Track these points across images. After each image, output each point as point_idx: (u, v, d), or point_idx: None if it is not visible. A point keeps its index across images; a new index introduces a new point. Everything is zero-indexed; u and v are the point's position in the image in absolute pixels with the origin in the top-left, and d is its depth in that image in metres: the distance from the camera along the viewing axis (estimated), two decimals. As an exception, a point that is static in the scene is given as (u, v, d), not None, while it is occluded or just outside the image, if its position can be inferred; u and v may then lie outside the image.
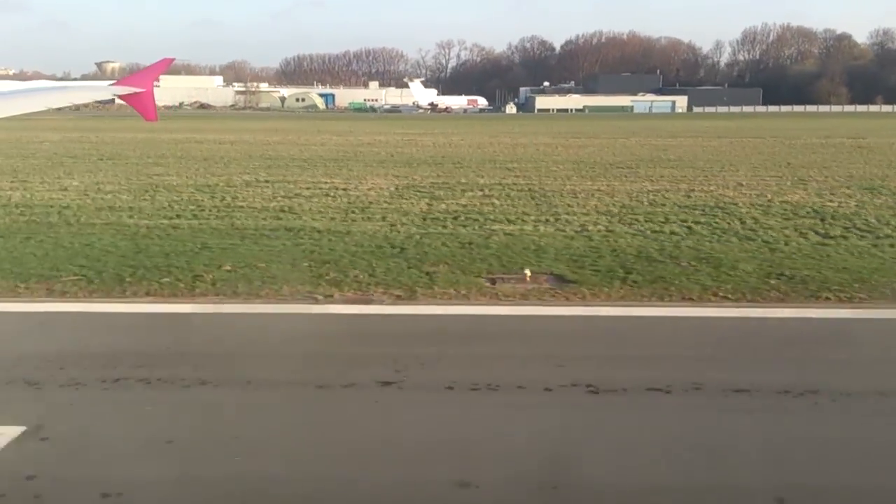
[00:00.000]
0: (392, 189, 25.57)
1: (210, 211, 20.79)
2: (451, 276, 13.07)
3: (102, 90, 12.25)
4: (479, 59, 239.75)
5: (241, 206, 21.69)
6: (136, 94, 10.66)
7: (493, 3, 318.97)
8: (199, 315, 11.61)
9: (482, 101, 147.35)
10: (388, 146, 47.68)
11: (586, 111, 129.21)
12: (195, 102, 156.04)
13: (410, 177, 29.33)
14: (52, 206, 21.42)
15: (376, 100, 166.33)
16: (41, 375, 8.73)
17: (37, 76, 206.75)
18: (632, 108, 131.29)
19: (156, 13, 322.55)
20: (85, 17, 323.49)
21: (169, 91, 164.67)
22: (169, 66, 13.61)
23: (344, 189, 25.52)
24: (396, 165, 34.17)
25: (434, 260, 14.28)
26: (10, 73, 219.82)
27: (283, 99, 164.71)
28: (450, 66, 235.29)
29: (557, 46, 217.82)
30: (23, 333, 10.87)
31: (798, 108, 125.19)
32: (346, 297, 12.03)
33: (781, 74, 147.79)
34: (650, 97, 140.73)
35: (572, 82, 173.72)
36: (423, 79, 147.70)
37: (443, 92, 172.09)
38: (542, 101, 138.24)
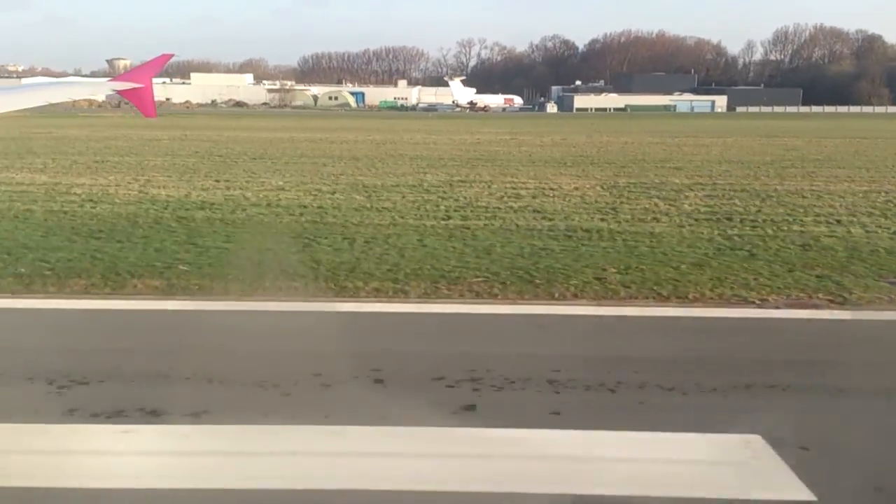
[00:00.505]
0: (599, 189, 25.60)
1: (469, 210, 20.83)
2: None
3: (101, 86, 12.20)
4: (499, 57, 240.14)
5: (484, 206, 21.70)
6: (134, 89, 10.62)
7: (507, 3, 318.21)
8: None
9: (518, 100, 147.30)
10: (502, 145, 47.88)
11: (628, 110, 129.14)
12: (230, 100, 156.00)
13: (594, 176, 29.40)
14: (305, 207, 21.49)
15: (406, 98, 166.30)
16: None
17: (46, 73, 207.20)
18: (674, 107, 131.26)
19: (156, 10, 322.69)
20: (86, 13, 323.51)
21: (200, 89, 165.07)
22: (167, 62, 13.39)
23: (553, 189, 25.58)
24: (561, 165, 34.28)
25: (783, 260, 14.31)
26: (20, 69, 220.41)
27: (315, 97, 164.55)
28: (470, 64, 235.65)
29: (580, 45, 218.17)
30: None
31: (842, 109, 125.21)
32: (789, 302, 12.05)
33: (817, 75, 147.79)
34: (688, 96, 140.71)
35: (602, 81, 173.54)
36: (463, 77, 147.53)
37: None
38: (580, 100, 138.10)
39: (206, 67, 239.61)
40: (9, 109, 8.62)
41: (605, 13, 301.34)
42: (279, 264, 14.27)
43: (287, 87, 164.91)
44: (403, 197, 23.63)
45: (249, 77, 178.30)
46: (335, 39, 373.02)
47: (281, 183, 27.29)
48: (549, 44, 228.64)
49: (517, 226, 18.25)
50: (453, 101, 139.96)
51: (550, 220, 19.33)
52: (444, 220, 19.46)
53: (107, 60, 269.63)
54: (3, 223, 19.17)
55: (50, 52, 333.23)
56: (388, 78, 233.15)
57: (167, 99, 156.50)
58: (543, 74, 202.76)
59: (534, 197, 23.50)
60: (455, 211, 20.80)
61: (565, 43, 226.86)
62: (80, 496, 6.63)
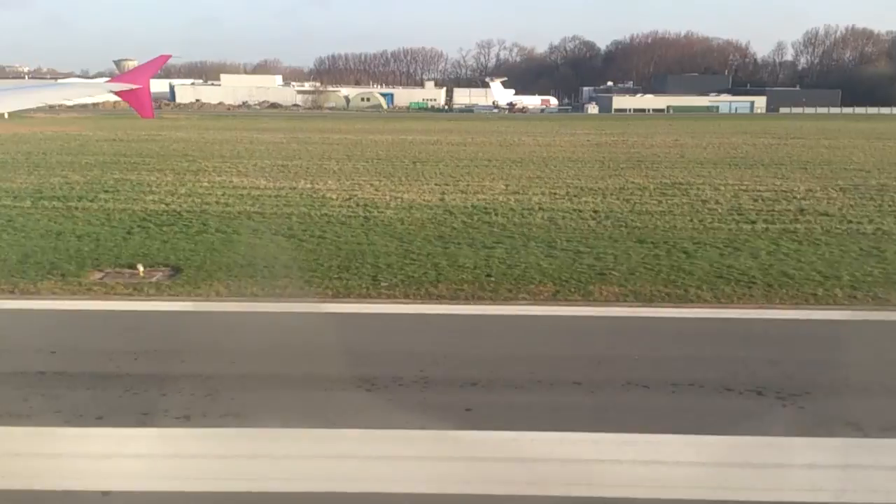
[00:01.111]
0: (841, 194, 25.73)
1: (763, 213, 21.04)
2: None
3: (98, 87, 12.30)
4: (518, 58, 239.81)
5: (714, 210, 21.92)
6: (132, 90, 10.78)
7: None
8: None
9: (553, 101, 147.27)
10: (622, 146, 48.38)
11: (670, 111, 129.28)
12: (263, 102, 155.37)
13: (749, 178, 29.78)
14: (596, 212, 21.63)
15: (435, 100, 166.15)
16: None
17: (52, 74, 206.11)
18: (717, 108, 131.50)
19: (154, 11, 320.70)
20: (91, 14, 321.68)
21: (230, 90, 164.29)
22: (165, 63, 13.48)
23: (804, 193, 25.72)
24: (739, 167, 34.69)
25: None
26: (26, 70, 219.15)
27: (346, 98, 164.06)
28: (489, 65, 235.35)
29: (602, 47, 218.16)
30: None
31: (884, 111, 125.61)
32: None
33: (851, 76, 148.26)
34: (726, 97, 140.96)
35: (630, 82, 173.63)
36: (504, 78, 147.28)
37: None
38: (618, 101, 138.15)
39: (220, 69, 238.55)
40: (5, 110, 8.71)
41: (624, 15, 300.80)
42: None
43: (320, 89, 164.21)
44: (660, 202, 23.79)
45: (279, 78, 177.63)
46: (344, 41, 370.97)
47: (503, 186, 27.42)
48: (570, 45, 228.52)
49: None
50: (493, 103, 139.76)
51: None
52: (749, 223, 19.71)
53: (114, 61, 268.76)
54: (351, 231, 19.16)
55: (55, 54, 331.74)
56: (407, 79, 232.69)
57: (197, 100, 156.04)
58: (567, 76, 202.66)
59: (802, 199, 23.67)
60: (757, 214, 20.99)
61: (586, 44, 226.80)
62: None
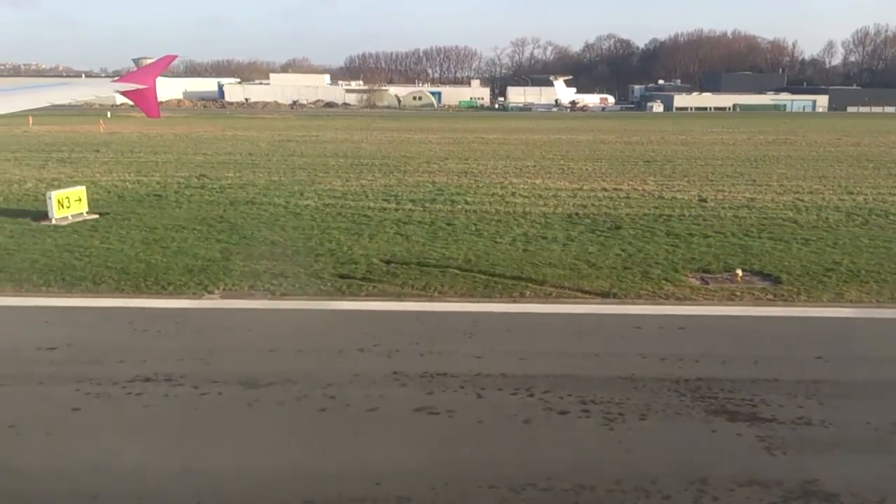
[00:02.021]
0: None
1: None
2: None
3: (105, 86, 12.36)
4: (552, 57, 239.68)
5: None
6: (138, 90, 10.76)
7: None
8: None
9: (611, 100, 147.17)
10: (753, 145, 48.95)
11: (737, 109, 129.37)
12: (318, 101, 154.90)
13: None
14: None
15: (482, 98, 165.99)
16: None
17: (68, 72, 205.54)
18: (784, 106, 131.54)
19: (173, 9, 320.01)
20: (102, 12, 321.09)
21: (279, 89, 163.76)
22: (171, 63, 13.49)
23: None
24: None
25: None
26: (43, 67, 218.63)
27: (398, 98, 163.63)
28: (524, 64, 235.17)
29: (640, 45, 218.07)
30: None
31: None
32: None
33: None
34: (786, 96, 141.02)
35: (678, 80, 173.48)
36: (568, 77, 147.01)
37: (501, 91, 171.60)
38: (680, 100, 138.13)
39: (248, 68, 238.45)
40: (12, 110, 8.68)
41: (660, 13, 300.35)
42: None
43: (374, 88, 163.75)
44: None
45: (327, 77, 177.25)
46: (366, 39, 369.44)
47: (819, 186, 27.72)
48: (605, 43, 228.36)
49: None
50: (556, 101, 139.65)
51: None
52: None
53: (133, 59, 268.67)
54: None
55: (74, 52, 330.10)
56: (441, 78, 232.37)
57: (246, 99, 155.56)
58: (605, 74, 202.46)
59: None
60: None
61: (622, 42, 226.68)
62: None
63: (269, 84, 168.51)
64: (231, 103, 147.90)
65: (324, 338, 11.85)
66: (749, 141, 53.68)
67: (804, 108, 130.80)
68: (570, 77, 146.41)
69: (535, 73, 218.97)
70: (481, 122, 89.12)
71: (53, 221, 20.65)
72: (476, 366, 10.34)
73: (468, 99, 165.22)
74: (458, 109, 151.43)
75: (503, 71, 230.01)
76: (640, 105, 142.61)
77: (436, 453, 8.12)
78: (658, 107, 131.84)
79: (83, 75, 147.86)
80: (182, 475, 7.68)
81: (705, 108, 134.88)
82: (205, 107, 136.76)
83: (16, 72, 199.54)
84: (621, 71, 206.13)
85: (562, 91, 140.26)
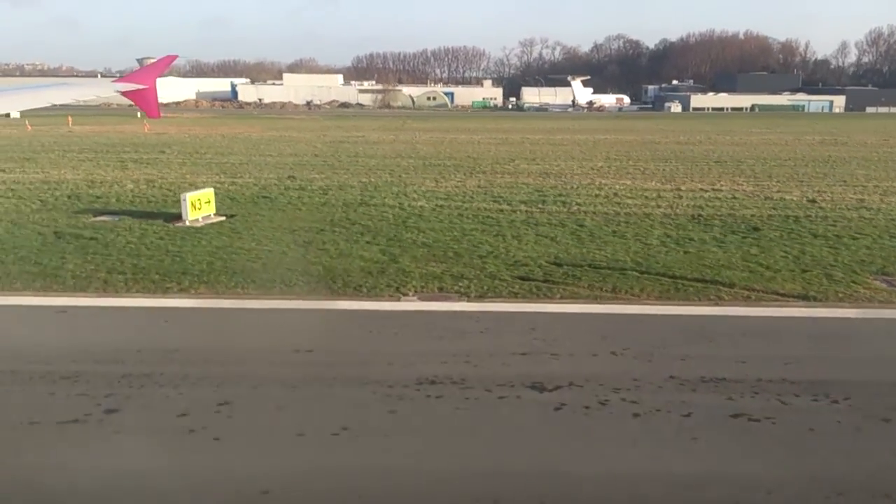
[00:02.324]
0: None
1: None
2: None
3: (105, 86, 12.62)
4: (560, 57, 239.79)
5: None
6: (138, 90, 10.79)
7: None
8: None
9: (626, 100, 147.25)
10: (806, 146, 49.19)
11: (756, 109, 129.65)
12: (333, 101, 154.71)
13: None
14: None
15: (495, 98, 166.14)
16: None
17: (70, 72, 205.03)
18: (802, 106, 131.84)
19: (163, 11, 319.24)
20: (105, 12, 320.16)
21: (293, 90, 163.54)
22: (172, 63, 13.71)
23: None
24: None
25: None
26: (46, 67, 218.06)
27: (412, 98, 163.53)
28: (532, 64, 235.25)
29: (650, 45, 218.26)
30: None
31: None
32: None
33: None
34: (802, 96, 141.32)
35: (690, 80, 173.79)
36: (586, 77, 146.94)
37: (513, 90, 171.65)
38: (697, 100, 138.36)
39: (255, 68, 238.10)
40: (12, 109, 8.79)
41: (669, 14, 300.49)
42: None
43: (389, 88, 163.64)
44: None
45: (340, 78, 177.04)
46: (371, 40, 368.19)
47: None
48: (615, 44, 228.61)
49: None
50: (572, 101, 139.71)
51: None
52: None
53: (137, 59, 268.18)
54: None
55: (77, 52, 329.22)
56: (448, 78, 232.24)
57: (260, 100, 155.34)
58: (615, 74, 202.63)
59: None
60: None
61: (631, 42, 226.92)
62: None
63: (282, 84, 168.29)
64: (248, 103, 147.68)
65: (567, 340, 11.86)
66: (799, 142, 53.83)
67: (822, 108, 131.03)
68: (588, 77, 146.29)
69: (544, 73, 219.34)
70: (508, 122, 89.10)
71: (187, 223, 20.64)
72: (749, 371, 10.35)
73: (481, 99, 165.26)
74: (472, 109, 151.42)
75: (511, 71, 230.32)
76: (657, 105, 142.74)
77: (792, 462, 8.10)
78: (676, 107, 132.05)
79: (99, 75, 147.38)
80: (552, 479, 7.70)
81: (722, 109, 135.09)
82: (223, 107, 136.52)
83: (20, 72, 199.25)
84: (631, 71, 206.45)
85: (579, 91, 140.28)
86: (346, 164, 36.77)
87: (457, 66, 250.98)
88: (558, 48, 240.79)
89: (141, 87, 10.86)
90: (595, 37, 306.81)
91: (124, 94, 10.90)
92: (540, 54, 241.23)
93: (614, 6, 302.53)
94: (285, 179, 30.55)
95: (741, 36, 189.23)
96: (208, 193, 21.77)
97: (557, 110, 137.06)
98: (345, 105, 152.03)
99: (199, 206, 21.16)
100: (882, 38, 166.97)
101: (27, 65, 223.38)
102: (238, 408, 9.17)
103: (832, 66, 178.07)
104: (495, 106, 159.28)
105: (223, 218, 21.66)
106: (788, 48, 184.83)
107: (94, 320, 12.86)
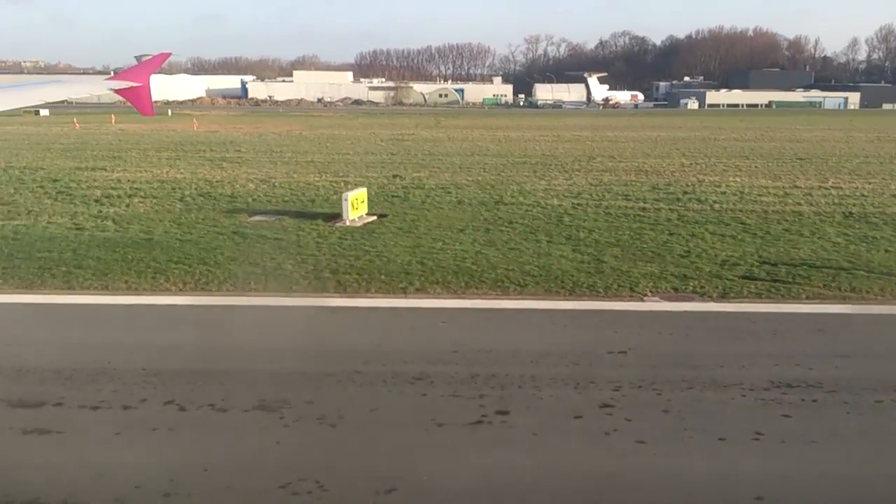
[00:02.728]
0: None
1: None
2: None
3: (98, 84, 12.57)
4: (566, 54, 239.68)
5: None
6: (132, 88, 10.73)
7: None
8: None
9: (640, 97, 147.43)
10: (834, 144, 49.22)
11: (773, 106, 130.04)
12: (346, 98, 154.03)
13: None
14: None
15: (505, 95, 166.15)
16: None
17: (68, 69, 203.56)
18: (819, 103, 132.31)
19: (160, 8, 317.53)
20: (102, 8, 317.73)
21: (303, 87, 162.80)
22: (166, 61, 13.94)
23: None
24: None
25: None
26: (42, 65, 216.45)
27: (423, 95, 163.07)
28: (538, 61, 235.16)
29: (657, 41, 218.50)
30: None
31: None
32: None
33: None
34: (816, 93, 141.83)
35: (700, 77, 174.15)
36: (602, 73, 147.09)
37: (525, 87, 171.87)
38: (712, 97, 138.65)
39: (258, 65, 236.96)
40: (4, 107, 8.86)
41: (675, 10, 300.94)
42: None
43: (401, 85, 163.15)
44: None
45: (350, 75, 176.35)
46: (375, 36, 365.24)
47: None
48: (620, 41, 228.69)
49: None
50: (589, 98, 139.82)
51: None
52: None
53: (135, 57, 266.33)
54: None
55: (74, 50, 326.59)
56: (453, 75, 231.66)
57: (270, 97, 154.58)
58: (622, 70, 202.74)
59: None
60: None
61: (636, 39, 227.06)
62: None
63: (292, 81, 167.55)
64: (262, 101, 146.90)
65: (876, 343, 11.65)
66: (853, 139, 53.77)
67: (838, 105, 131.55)
68: (605, 74, 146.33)
69: (549, 70, 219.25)
70: (536, 119, 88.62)
71: (347, 223, 20.29)
72: None
73: (491, 96, 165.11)
74: (486, 106, 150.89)
75: (517, 68, 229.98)
76: (672, 102, 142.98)
77: None
78: (693, 104, 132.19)
79: (112, 72, 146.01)
80: None
81: (737, 105, 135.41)
82: (238, 104, 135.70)
83: (18, 69, 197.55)
84: (637, 68, 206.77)
85: (595, 88, 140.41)
86: (432, 163, 36.40)
87: (461, 62, 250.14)
88: (563, 45, 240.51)
89: (135, 84, 10.70)
90: (600, 34, 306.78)
91: (118, 91, 10.79)
92: (545, 51, 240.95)
93: (619, 3, 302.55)
94: (393, 178, 30.17)
95: (750, 33, 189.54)
96: (363, 193, 21.42)
97: (572, 107, 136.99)
98: (358, 102, 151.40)
99: (357, 206, 20.80)
100: (892, 34, 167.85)
101: (25, 62, 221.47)
102: (622, 410, 8.94)
103: (841, 63, 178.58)
104: (507, 103, 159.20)
105: (374, 217, 21.30)
106: (797, 45, 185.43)
107: (391, 321, 12.56)
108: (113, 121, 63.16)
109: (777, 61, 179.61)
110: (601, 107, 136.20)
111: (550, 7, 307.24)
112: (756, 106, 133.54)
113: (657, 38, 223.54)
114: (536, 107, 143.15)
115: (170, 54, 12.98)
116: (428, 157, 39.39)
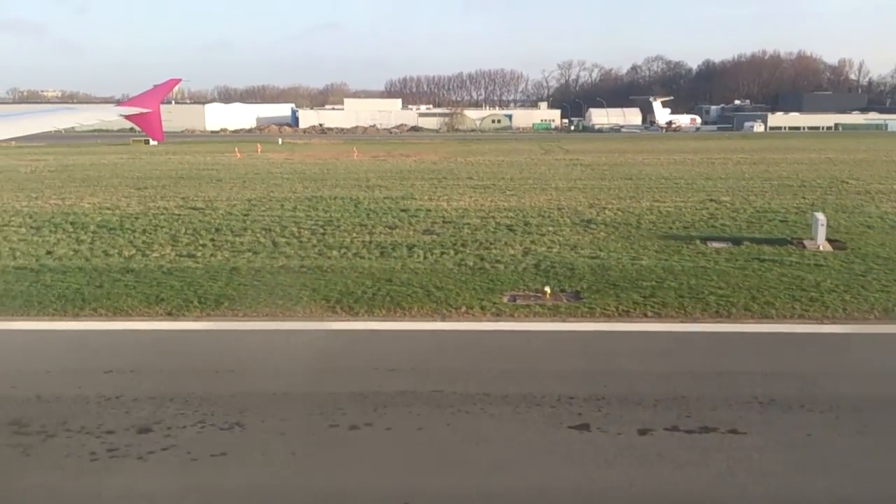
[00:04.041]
0: None
1: None
2: None
3: (108, 111, 12.77)
4: (598, 78, 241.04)
5: None
6: (142, 114, 10.89)
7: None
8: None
9: (698, 120, 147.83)
10: None
11: (840, 129, 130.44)
12: (402, 125, 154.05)
13: None
14: None
15: (553, 120, 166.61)
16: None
17: (87, 99, 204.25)
18: (885, 125, 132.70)
19: (164, 36, 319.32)
20: (103, 39, 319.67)
21: (353, 114, 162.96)
22: (176, 87, 13.83)
23: None
24: None
25: None
26: (59, 94, 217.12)
27: (474, 121, 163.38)
28: (571, 86, 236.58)
29: (693, 66, 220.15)
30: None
31: None
32: None
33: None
34: (874, 116, 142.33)
35: (748, 101, 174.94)
36: (668, 98, 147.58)
37: (572, 112, 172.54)
38: (773, 120, 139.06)
39: (289, 93, 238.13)
40: (16, 135, 8.78)
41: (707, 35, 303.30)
42: None
43: (456, 111, 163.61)
44: None
45: (399, 102, 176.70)
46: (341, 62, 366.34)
47: None
48: (654, 65, 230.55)
49: None
50: (650, 121, 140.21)
51: None
52: None
53: (155, 85, 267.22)
54: None
55: (92, 78, 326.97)
56: (486, 101, 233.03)
57: (321, 124, 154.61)
58: (659, 94, 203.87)
59: None
60: None
61: (669, 63, 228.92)
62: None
63: (342, 109, 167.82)
64: (328, 129, 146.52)
65: None
66: None
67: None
68: (671, 98, 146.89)
69: (581, 95, 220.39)
70: (618, 143, 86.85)
71: (821, 247, 19.49)
72: None
73: (539, 121, 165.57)
74: (534, 132, 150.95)
75: (549, 94, 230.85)
76: (731, 124, 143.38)
77: None
78: (759, 127, 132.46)
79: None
80: None
81: (798, 128, 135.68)
82: (305, 132, 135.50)
83: (38, 98, 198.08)
84: (671, 92, 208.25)
85: (659, 112, 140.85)
86: (705, 186, 35.77)
87: (493, 88, 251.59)
88: (595, 70, 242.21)
89: (145, 110, 10.72)
90: (633, 59, 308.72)
91: (128, 117, 10.84)
92: (577, 76, 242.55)
93: (651, 29, 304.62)
94: (709, 202, 29.49)
95: (794, 55, 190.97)
96: (823, 216, 20.63)
97: (636, 131, 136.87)
98: (415, 129, 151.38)
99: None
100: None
101: (45, 91, 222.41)
102: None
103: (889, 86, 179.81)
104: (556, 128, 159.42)
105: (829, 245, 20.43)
106: (840, 68, 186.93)
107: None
108: (258, 150, 62.42)
109: (820, 84, 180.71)
110: (664, 130, 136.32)
111: (579, 33, 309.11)
112: (817, 129, 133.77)
113: (694, 62, 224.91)
114: (593, 131, 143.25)
115: (179, 80, 13.30)
116: (643, 181, 38.53)
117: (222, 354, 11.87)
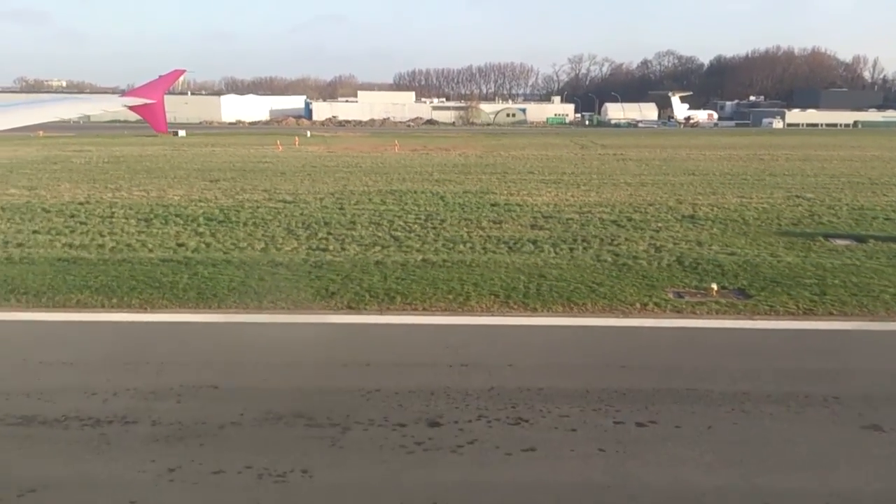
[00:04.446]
0: None
1: None
2: None
3: (112, 101, 12.86)
4: (608, 73, 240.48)
5: None
6: (146, 105, 10.91)
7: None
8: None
9: (714, 115, 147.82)
10: None
11: (860, 126, 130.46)
12: (417, 118, 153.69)
13: None
14: None
15: (567, 114, 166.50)
16: None
17: (92, 89, 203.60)
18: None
19: (166, 26, 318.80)
20: (106, 29, 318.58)
21: (367, 107, 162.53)
22: (179, 78, 13.91)
23: None
24: None
25: None
26: (63, 84, 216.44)
27: (489, 115, 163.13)
28: (581, 80, 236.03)
29: (705, 61, 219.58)
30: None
31: None
32: None
33: None
34: (891, 112, 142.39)
35: (762, 97, 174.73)
36: (687, 93, 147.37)
37: (583, 107, 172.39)
38: (791, 116, 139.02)
39: (296, 85, 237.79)
40: (20, 125, 8.84)
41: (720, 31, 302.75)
42: None
43: (471, 105, 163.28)
44: None
45: (412, 95, 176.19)
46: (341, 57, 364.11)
47: None
48: (665, 60, 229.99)
49: None
50: (669, 116, 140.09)
51: None
52: None
53: (160, 76, 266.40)
54: None
55: (98, 68, 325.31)
56: (495, 94, 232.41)
57: (334, 117, 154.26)
58: (671, 89, 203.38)
59: None
60: None
61: (681, 59, 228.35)
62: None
63: (356, 102, 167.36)
64: (344, 121, 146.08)
65: None
66: None
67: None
68: (690, 93, 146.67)
69: (592, 89, 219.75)
70: (645, 138, 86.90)
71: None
72: None
73: (553, 115, 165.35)
74: (549, 126, 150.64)
75: (560, 88, 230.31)
76: (747, 119, 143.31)
77: None
78: (777, 123, 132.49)
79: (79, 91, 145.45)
80: None
81: (816, 125, 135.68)
82: (322, 125, 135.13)
83: (43, 88, 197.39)
84: (682, 87, 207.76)
85: (678, 107, 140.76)
86: (760, 182, 35.69)
87: (503, 82, 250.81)
88: (606, 65, 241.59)
89: (149, 101, 10.73)
90: (644, 54, 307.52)
91: (133, 108, 10.87)
92: (588, 70, 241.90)
93: (661, 24, 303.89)
94: (796, 198, 29.47)
95: (809, 51, 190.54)
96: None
97: (653, 126, 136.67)
98: (431, 122, 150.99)
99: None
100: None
101: (50, 81, 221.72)
102: None
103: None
104: (570, 122, 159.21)
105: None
106: (854, 65, 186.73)
107: None
108: (296, 143, 62.25)
109: (834, 81, 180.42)
110: (682, 125, 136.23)
111: (589, 27, 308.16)
112: (835, 125, 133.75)
113: (700, 58, 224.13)
114: (608, 126, 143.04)
115: (184, 71, 13.10)
116: (731, 178, 38.46)
117: (463, 348, 11.73)
